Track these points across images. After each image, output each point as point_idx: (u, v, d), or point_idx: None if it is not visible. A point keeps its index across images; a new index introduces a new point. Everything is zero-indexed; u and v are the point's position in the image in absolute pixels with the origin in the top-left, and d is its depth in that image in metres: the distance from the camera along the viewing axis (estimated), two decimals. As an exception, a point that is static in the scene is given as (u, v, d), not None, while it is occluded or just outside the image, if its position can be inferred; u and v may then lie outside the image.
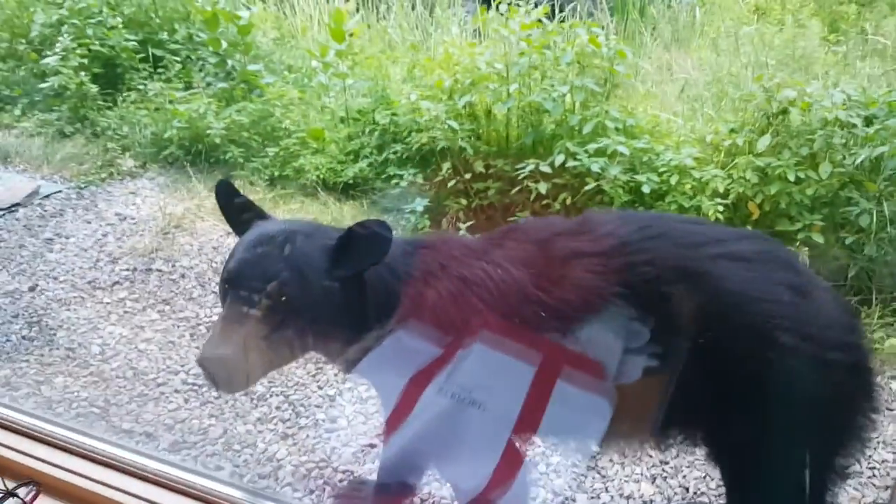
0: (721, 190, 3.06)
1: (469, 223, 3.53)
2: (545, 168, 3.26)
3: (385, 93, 4.28)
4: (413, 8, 7.04)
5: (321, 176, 4.15)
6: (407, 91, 3.95)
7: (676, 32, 7.26)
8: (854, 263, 3.01)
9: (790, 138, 3.08)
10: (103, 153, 4.72)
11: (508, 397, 1.30)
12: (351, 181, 4.15)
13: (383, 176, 4.07)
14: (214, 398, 2.69)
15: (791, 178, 2.96)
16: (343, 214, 3.92)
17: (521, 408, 1.26)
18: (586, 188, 3.13)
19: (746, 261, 1.47)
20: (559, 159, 3.21)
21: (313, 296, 1.39)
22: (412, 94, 3.69)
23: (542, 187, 3.23)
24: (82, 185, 4.38)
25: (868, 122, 3.03)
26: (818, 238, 2.98)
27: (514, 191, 3.43)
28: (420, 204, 3.61)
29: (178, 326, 3.09)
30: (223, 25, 4.71)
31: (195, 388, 2.74)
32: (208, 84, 4.96)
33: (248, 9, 4.89)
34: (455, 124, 3.53)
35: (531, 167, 3.27)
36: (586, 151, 3.21)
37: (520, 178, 3.37)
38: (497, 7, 4.16)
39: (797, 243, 3.00)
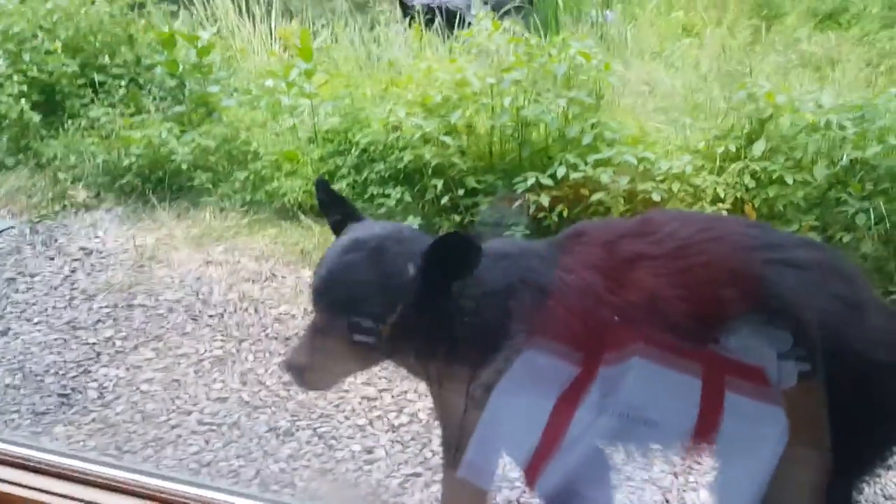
0: (721, 195, 3.13)
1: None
2: (546, 181, 3.25)
3: (358, 111, 4.19)
4: (357, 28, 6.98)
5: (297, 199, 4.01)
6: (387, 109, 3.86)
7: (611, 48, 7.46)
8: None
9: (783, 142, 3.18)
10: (52, 185, 4.42)
11: (681, 412, 1.26)
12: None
13: (365, 196, 3.97)
14: (237, 437, 2.53)
15: (789, 181, 3.06)
16: (328, 238, 3.79)
17: (695, 422, 1.22)
18: (593, 198, 3.14)
19: (801, 268, 1.46)
20: (561, 171, 3.21)
21: (399, 308, 1.39)
22: (400, 110, 3.61)
23: (545, 199, 3.22)
24: (35, 220, 4.08)
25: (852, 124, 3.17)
26: (816, 238, 3.08)
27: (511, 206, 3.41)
28: (415, 223, 3.53)
29: (179, 364, 2.90)
30: (179, 47, 4.51)
31: (214, 427, 2.57)
32: (157, 108, 4.74)
33: (205, 29, 4.70)
34: (449, 140, 3.48)
35: (532, 180, 3.26)
36: (586, 163, 3.22)
37: (518, 191, 3.35)
38: (465, 24, 4.14)
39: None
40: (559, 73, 3.30)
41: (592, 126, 3.30)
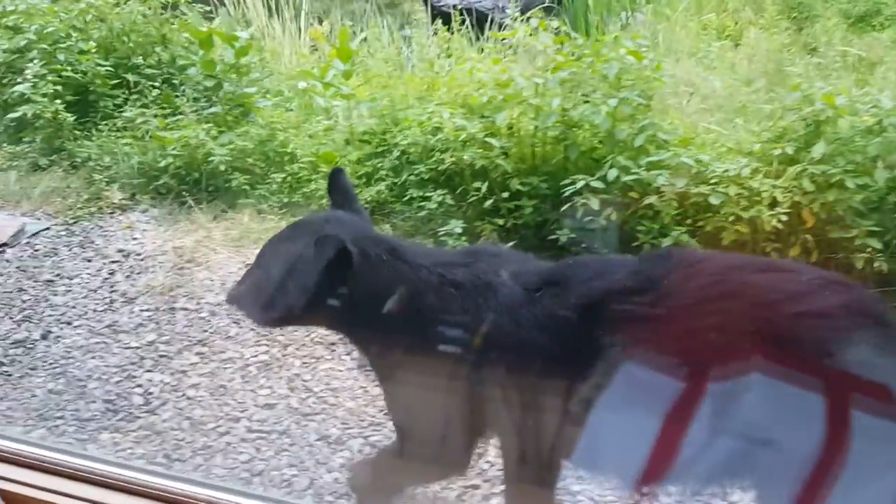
0: (780, 199, 3.03)
1: (511, 243, 3.41)
2: (596, 184, 3.16)
3: (397, 113, 4.13)
4: (387, 29, 6.94)
5: (336, 201, 3.94)
6: (427, 110, 3.80)
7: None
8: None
9: (841, 145, 3.08)
10: (87, 186, 4.38)
11: (807, 433, 1.17)
12: (368, 205, 3.96)
13: (404, 199, 3.91)
14: (288, 445, 2.46)
15: (850, 185, 2.96)
16: (368, 240, 3.73)
17: (823, 445, 1.14)
18: (646, 201, 3.06)
19: (829, 317, 1.37)
20: (612, 174, 3.13)
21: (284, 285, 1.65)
22: (444, 112, 3.54)
23: (595, 203, 3.14)
24: (71, 221, 4.04)
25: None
26: (876, 244, 2.98)
27: (561, 209, 3.33)
28: (457, 226, 3.47)
29: (225, 369, 2.84)
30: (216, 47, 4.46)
31: (264, 435, 2.50)
32: (193, 109, 4.69)
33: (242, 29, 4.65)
34: (496, 142, 3.40)
35: (581, 183, 3.18)
36: (639, 165, 3.14)
37: (566, 194, 3.27)
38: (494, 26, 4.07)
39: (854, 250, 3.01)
40: (611, 73, 3.21)
41: (643, 128, 3.21)
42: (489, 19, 7.30)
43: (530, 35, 3.66)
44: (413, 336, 1.62)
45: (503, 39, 4.71)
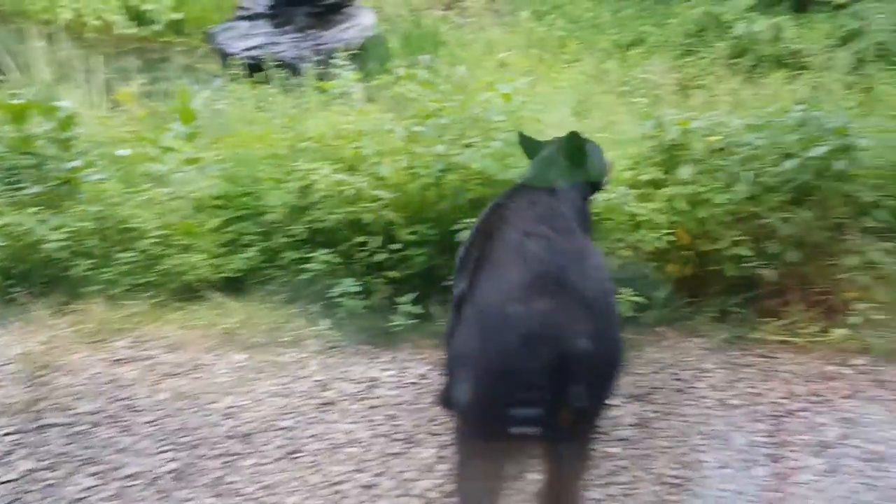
0: (661, 222, 3.21)
1: (413, 294, 3.30)
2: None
3: (255, 173, 3.89)
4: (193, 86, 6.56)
5: (201, 275, 3.62)
6: (295, 167, 3.60)
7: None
8: (773, 266, 3.31)
9: (698, 164, 3.33)
10: None
11: None
12: (238, 275, 3.68)
13: (279, 262, 3.67)
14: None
15: (719, 201, 3.21)
16: (250, 314, 3.44)
17: None
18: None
19: None
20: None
21: None
22: (323, 168, 3.36)
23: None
24: None
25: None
26: (747, 252, 3.24)
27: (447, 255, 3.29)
28: (351, 284, 3.31)
29: (132, 486, 2.45)
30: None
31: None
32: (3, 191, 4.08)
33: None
34: (385, 193, 3.29)
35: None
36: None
37: (457, 239, 3.24)
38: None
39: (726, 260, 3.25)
40: (493, 116, 3.25)
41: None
42: (296, 69, 7.20)
43: (395, 83, 3.61)
44: None
45: (328, 90, 4.69)
